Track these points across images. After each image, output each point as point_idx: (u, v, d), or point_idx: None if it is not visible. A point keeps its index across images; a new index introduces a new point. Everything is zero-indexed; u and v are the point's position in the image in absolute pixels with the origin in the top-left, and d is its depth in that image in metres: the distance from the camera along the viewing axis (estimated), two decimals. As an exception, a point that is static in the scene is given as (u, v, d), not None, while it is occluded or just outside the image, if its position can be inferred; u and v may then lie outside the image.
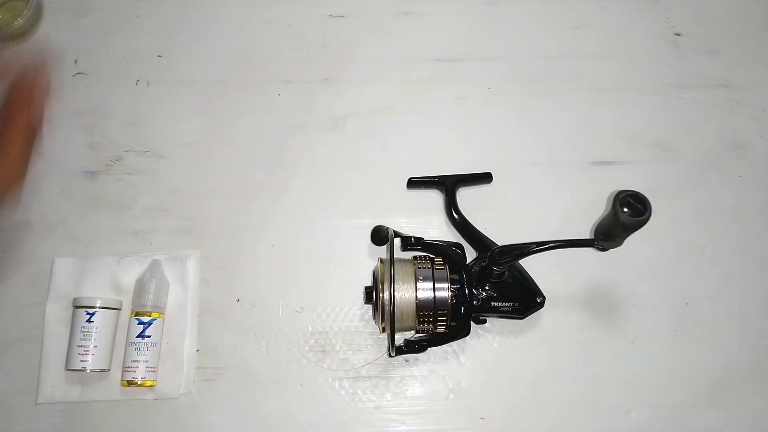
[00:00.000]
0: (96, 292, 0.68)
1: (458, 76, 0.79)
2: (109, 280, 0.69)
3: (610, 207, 0.49)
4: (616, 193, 0.49)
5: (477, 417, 0.66)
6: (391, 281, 0.60)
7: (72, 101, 0.78)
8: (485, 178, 0.73)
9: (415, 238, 0.66)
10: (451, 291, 0.61)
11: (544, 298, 0.65)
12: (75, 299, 0.66)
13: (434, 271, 0.62)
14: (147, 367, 0.64)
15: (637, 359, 0.68)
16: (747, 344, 0.68)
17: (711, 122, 0.77)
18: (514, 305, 0.64)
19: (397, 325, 0.61)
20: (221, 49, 0.81)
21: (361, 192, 0.74)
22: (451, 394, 0.67)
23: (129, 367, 0.64)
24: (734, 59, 0.80)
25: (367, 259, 0.71)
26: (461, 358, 0.68)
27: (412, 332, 0.64)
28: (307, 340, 0.69)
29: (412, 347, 0.64)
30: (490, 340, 0.68)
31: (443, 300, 0.61)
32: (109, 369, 0.66)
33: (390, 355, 0.64)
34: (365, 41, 0.81)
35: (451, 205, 0.71)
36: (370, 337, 0.69)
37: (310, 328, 0.69)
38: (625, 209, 0.48)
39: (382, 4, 0.83)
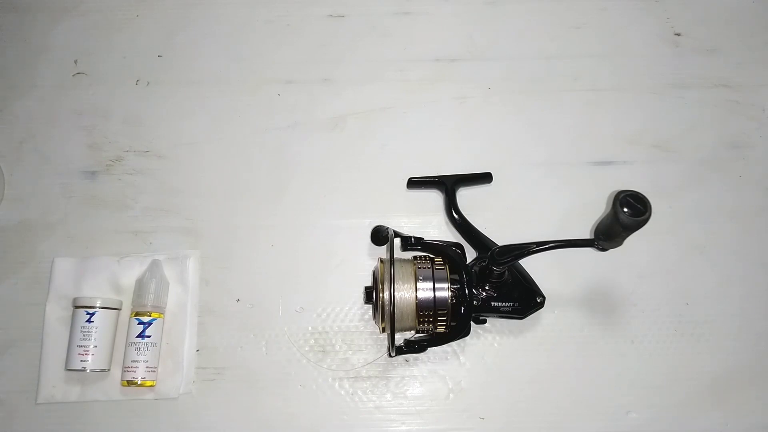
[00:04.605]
0: (96, 292, 0.68)
1: (458, 76, 0.79)
2: (109, 280, 0.69)
3: (610, 207, 0.49)
4: (616, 193, 0.49)
5: (477, 417, 0.66)
6: (391, 281, 0.60)
7: (72, 101, 0.78)
8: (485, 178, 0.73)
9: (415, 238, 0.66)
10: (451, 291, 0.61)
11: (544, 298, 0.65)
12: (75, 299, 0.66)
13: (434, 271, 0.62)
14: (147, 367, 0.64)
15: (637, 359, 0.68)
16: (747, 344, 0.68)
17: (711, 122, 0.77)
18: (514, 305, 0.64)
19: (397, 325, 0.61)
20: (221, 49, 0.81)
21: (361, 192, 0.74)
22: (451, 394, 0.67)
23: (129, 367, 0.64)
24: (734, 59, 0.80)
25: (367, 259, 0.71)
26: (461, 358, 0.68)
27: (412, 332, 0.64)
28: (307, 340, 0.69)
29: (412, 347, 0.64)
30: (490, 340, 0.68)
31: (443, 300, 0.61)
32: (109, 369, 0.66)
33: (390, 355, 0.64)
34: (365, 41, 0.81)
35: (451, 205, 0.71)
36: (370, 337, 0.69)
37: (310, 328, 0.69)
38: (625, 209, 0.48)
39: (382, 4, 0.83)
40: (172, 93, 0.79)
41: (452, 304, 0.61)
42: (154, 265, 0.69)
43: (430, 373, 0.67)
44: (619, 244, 0.53)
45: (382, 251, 0.70)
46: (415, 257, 0.65)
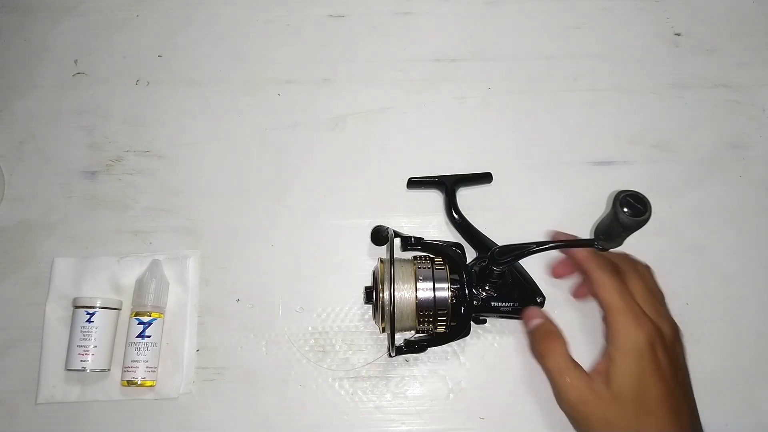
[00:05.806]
0: (96, 292, 0.68)
1: (458, 76, 0.79)
2: (109, 280, 0.69)
3: (610, 207, 0.49)
4: (616, 193, 0.49)
5: (477, 417, 0.66)
6: (391, 281, 0.60)
7: (72, 101, 0.78)
8: (485, 178, 0.73)
9: (415, 238, 0.66)
10: (451, 291, 0.61)
11: (544, 298, 0.65)
12: (75, 299, 0.66)
13: (434, 271, 0.62)
14: (147, 367, 0.64)
15: (637, 359, 0.68)
16: (747, 344, 0.68)
17: (711, 122, 0.77)
18: (514, 305, 0.64)
19: (397, 325, 0.61)
20: (221, 49, 0.81)
21: (361, 192, 0.74)
22: (451, 394, 0.67)
23: (129, 367, 0.64)
24: (734, 59, 0.80)
25: (367, 259, 0.71)
26: (461, 358, 0.68)
27: (412, 332, 0.64)
28: (307, 340, 0.69)
29: (412, 347, 0.64)
30: (490, 340, 0.68)
31: (443, 300, 0.61)
32: (109, 369, 0.66)
33: (390, 355, 0.64)
34: (365, 41, 0.81)
35: (451, 205, 0.71)
36: (370, 337, 0.69)
37: (310, 328, 0.69)
38: (625, 209, 0.48)
39: (381, 4, 0.83)
40: (172, 93, 0.79)
41: (452, 304, 0.61)
42: (154, 265, 0.69)
43: (430, 373, 0.67)
44: (619, 244, 0.53)
45: (382, 251, 0.70)
46: (415, 257, 0.65)
